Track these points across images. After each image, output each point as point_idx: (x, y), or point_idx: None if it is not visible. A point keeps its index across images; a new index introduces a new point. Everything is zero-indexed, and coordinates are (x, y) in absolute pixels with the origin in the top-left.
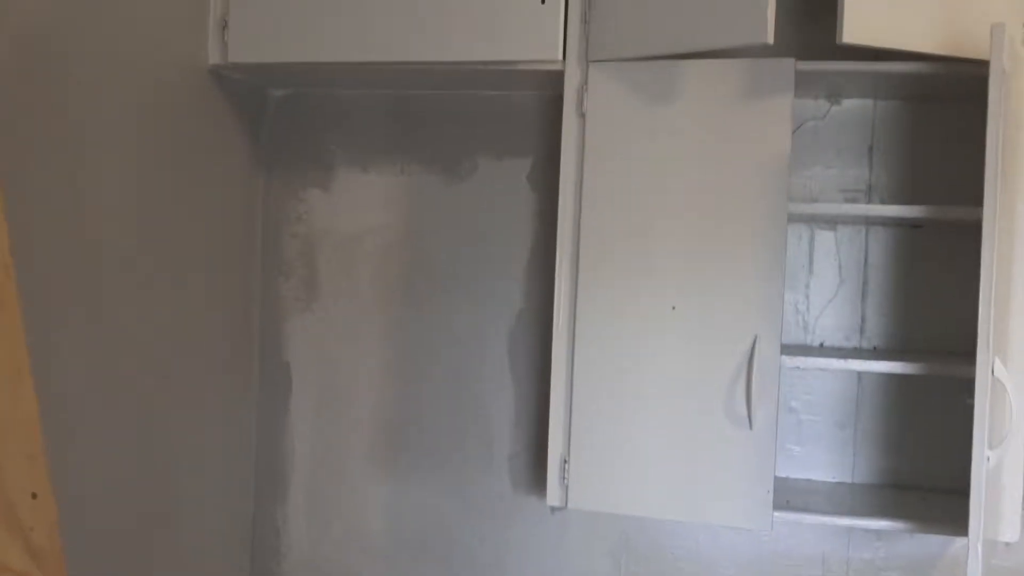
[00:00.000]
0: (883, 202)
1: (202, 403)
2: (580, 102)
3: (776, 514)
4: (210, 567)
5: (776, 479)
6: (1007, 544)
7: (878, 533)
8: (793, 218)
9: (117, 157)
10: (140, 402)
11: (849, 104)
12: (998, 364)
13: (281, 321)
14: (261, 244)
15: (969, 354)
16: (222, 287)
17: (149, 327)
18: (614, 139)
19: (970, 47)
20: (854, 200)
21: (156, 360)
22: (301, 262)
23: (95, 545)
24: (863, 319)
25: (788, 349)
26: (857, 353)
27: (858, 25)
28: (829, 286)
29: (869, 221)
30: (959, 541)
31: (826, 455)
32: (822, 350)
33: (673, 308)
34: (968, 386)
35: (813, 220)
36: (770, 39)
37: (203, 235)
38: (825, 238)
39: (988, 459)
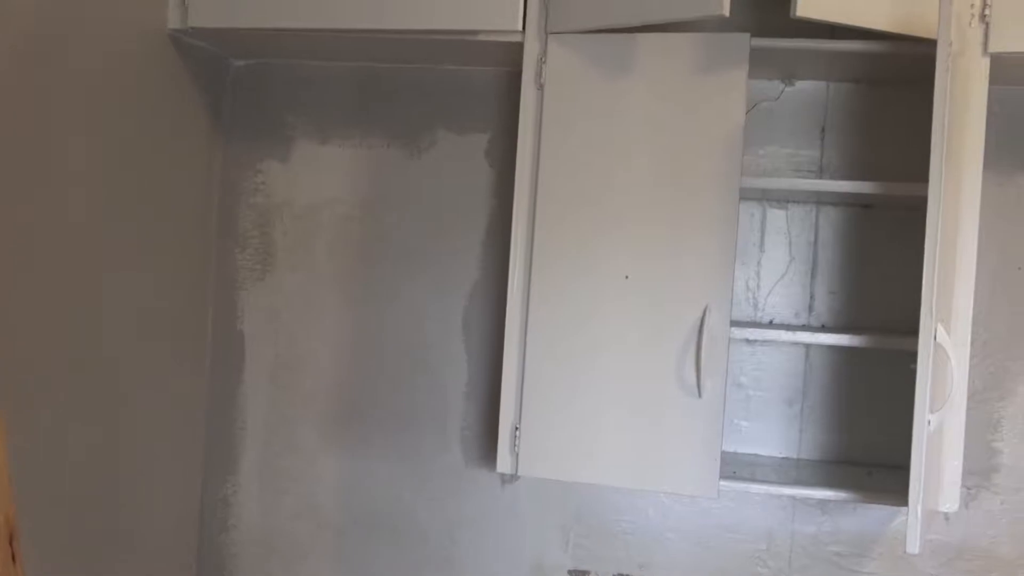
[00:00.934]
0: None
1: (153, 371)
2: (539, 73)
3: (722, 483)
4: (158, 538)
5: (724, 453)
6: (947, 518)
7: (823, 508)
8: (746, 195)
9: (73, 123)
10: (89, 369)
11: (803, 86)
12: (941, 331)
13: (236, 291)
14: (217, 214)
15: (915, 331)
16: (177, 256)
17: (101, 294)
18: (571, 110)
19: (921, 26)
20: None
21: (106, 327)
22: (257, 233)
23: (40, 511)
24: (812, 297)
25: (738, 325)
26: (806, 330)
27: (812, 0)
28: (779, 265)
29: (820, 200)
30: (901, 517)
31: (774, 431)
32: (772, 326)
33: (626, 277)
34: (914, 358)
35: (765, 198)
36: (726, 11)
37: (159, 203)
38: (776, 216)
39: (929, 423)
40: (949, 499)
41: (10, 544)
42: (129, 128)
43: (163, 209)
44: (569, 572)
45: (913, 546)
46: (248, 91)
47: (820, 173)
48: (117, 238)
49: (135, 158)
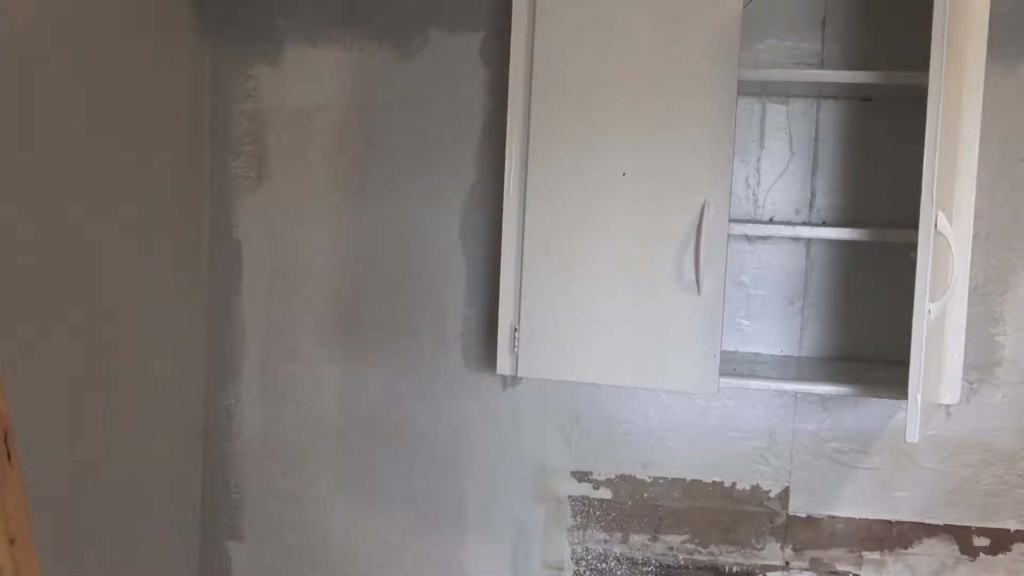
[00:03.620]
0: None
1: (152, 283)
2: None
3: (722, 380)
4: (162, 447)
5: (725, 352)
6: (948, 412)
7: (824, 405)
8: (746, 90)
9: (57, 33)
10: (89, 283)
11: None
12: (942, 219)
13: (231, 199)
14: (209, 121)
15: (917, 225)
16: (170, 166)
17: (96, 207)
18: (565, 7)
19: None
20: None
21: (103, 241)
22: (250, 139)
23: (39, 424)
24: (813, 194)
25: (738, 222)
26: (806, 225)
27: None
28: (780, 161)
29: (821, 93)
30: (901, 413)
31: (774, 329)
32: (772, 223)
33: (623, 175)
34: (915, 248)
35: (765, 93)
36: None
37: (149, 113)
38: (776, 112)
39: (929, 311)
40: (950, 391)
41: (4, 442)
42: (115, 35)
43: (154, 118)
44: (572, 473)
45: (913, 435)
46: None
47: (821, 66)
48: (108, 151)
49: (123, 67)
